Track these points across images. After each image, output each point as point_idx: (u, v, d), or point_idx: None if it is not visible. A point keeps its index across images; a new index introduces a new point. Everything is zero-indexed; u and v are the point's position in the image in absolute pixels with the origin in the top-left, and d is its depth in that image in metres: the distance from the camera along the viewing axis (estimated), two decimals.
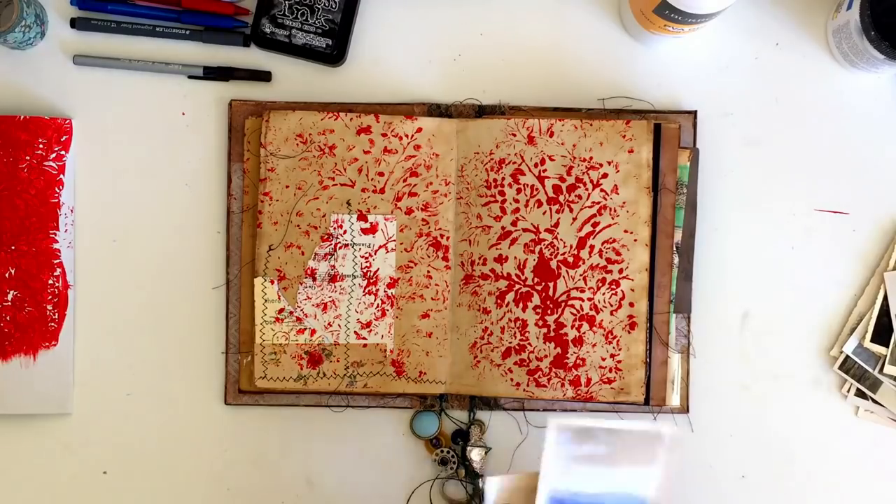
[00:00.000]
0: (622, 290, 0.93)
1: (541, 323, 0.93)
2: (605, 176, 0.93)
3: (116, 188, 0.96)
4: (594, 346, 0.93)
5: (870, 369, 0.95)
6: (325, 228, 0.94)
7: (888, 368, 0.94)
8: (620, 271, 0.93)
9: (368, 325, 0.94)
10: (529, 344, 0.93)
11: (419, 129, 0.94)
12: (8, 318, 0.94)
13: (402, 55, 0.97)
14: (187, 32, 0.96)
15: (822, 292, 0.97)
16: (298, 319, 0.94)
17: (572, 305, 0.93)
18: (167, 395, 0.96)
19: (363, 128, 0.94)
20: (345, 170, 0.94)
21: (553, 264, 0.93)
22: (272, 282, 0.94)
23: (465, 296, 0.94)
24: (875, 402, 0.95)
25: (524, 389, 0.93)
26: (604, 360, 0.93)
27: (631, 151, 0.93)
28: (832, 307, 0.96)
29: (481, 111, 0.95)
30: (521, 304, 0.93)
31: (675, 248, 0.94)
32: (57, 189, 0.95)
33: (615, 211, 0.93)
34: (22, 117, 0.94)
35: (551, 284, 0.93)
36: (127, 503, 0.97)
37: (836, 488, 0.96)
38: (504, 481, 0.76)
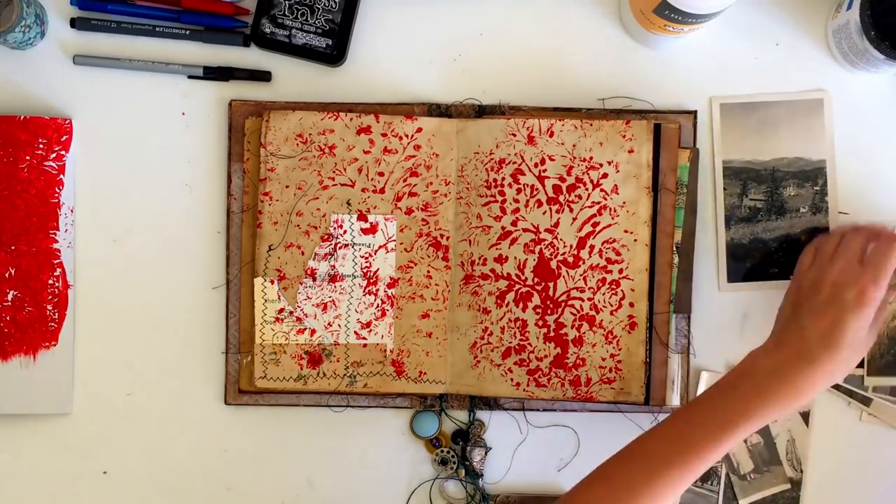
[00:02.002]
0: (622, 291, 0.93)
1: (541, 323, 0.93)
2: (605, 176, 0.93)
3: (116, 188, 0.96)
4: (594, 346, 0.93)
5: (856, 389, 0.95)
6: (325, 228, 0.94)
7: (868, 380, 0.95)
8: (620, 271, 0.93)
9: (368, 325, 0.94)
10: (529, 344, 0.93)
11: (419, 129, 0.94)
12: (8, 318, 0.94)
13: (402, 55, 0.97)
14: (187, 32, 0.96)
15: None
16: (298, 319, 0.94)
17: (572, 305, 0.93)
18: (167, 395, 0.96)
19: (363, 128, 0.94)
20: (345, 170, 0.94)
21: (553, 264, 0.93)
22: (272, 282, 0.94)
23: (465, 296, 0.94)
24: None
25: (524, 389, 0.93)
26: (604, 360, 0.93)
27: (631, 151, 0.93)
28: None
29: (481, 111, 0.95)
30: (521, 304, 0.93)
31: (675, 248, 0.94)
32: (57, 189, 0.95)
33: (615, 211, 0.93)
34: (22, 117, 0.94)
35: (551, 284, 0.93)
36: (127, 503, 0.97)
37: (838, 488, 0.96)
38: None
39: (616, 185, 0.93)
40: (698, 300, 0.96)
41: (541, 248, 0.93)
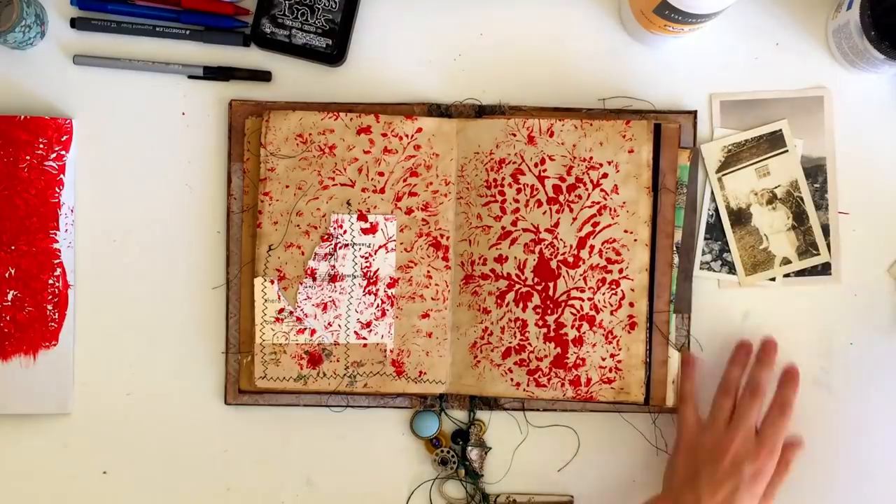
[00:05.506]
0: (622, 290, 0.93)
1: (541, 323, 0.93)
2: (605, 176, 0.93)
3: (116, 188, 0.96)
4: (594, 346, 0.93)
5: None
6: (325, 228, 0.94)
7: None
8: (620, 271, 0.93)
9: (368, 324, 0.94)
10: (529, 344, 0.93)
11: (419, 129, 0.94)
12: (8, 318, 0.94)
13: (402, 55, 0.97)
14: (187, 32, 0.96)
15: (822, 292, 0.97)
16: (298, 319, 0.94)
17: (572, 305, 0.93)
18: (167, 395, 0.96)
19: (363, 128, 0.94)
20: (345, 170, 0.94)
21: (553, 264, 0.93)
22: (272, 282, 0.94)
23: (465, 296, 0.94)
24: None
25: (524, 389, 0.93)
26: (604, 360, 0.93)
27: (631, 151, 0.93)
28: (832, 306, 0.96)
29: (481, 111, 0.95)
30: (521, 304, 0.93)
31: (675, 248, 0.94)
32: (57, 189, 0.95)
33: (615, 211, 0.93)
34: (22, 117, 0.94)
35: (551, 284, 0.93)
36: (127, 503, 0.97)
37: (836, 487, 0.96)
38: None
39: (616, 185, 0.93)
40: (698, 300, 0.96)
41: (541, 248, 0.93)
